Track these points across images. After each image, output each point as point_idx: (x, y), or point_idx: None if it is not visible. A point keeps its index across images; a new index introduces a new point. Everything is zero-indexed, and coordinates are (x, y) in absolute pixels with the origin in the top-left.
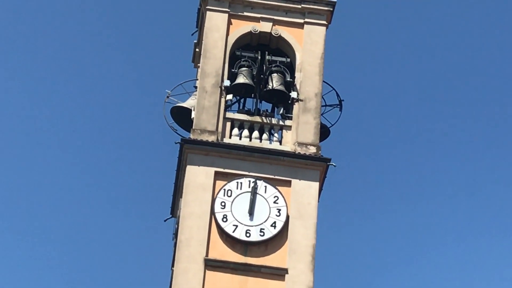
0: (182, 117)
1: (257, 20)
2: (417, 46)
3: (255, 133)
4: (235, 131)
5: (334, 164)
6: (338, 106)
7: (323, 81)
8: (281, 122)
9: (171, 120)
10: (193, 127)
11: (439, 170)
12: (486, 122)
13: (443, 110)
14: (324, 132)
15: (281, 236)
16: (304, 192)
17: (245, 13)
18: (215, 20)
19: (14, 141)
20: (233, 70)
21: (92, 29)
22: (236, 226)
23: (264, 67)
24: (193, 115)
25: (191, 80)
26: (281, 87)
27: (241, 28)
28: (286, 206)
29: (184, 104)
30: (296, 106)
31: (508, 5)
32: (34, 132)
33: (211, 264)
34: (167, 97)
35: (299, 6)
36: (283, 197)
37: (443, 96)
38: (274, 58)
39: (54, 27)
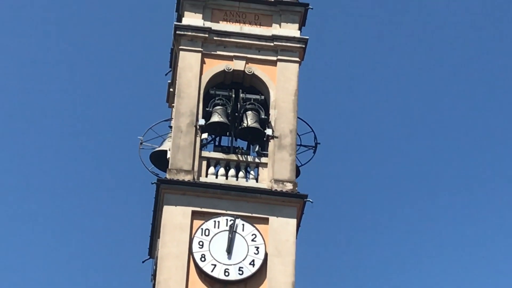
0: (160, 158)
1: (230, 58)
2: (391, 84)
3: (231, 171)
4: (211, 169)
5: (311, 200)
6: (313, 148)
7: (300, 119)
8: (257, 160)
9: (150, 165)
10: (169, 167)
11: (414, 206)
12: (466, 150)
13: (418, 148)
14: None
15: (260, 274)
16: (282, 229)
17: (218, 52)
18: (189, 60)
19: None
20: (207, 109)
21: (67, 72)
22: (215, 265)
23: (239, 105)
24: (168, 155)
25: (162, 122)
26: (256, 125)
27: (214, 67)
28: (264, 243)
29: (162, 148)
30: (271, 143)
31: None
32: None
33: None
34: (141, 143)
35: (272, 44)
36: (261, 234)
37: (417, 132)
38: (248, 95)
39: (20, 75)
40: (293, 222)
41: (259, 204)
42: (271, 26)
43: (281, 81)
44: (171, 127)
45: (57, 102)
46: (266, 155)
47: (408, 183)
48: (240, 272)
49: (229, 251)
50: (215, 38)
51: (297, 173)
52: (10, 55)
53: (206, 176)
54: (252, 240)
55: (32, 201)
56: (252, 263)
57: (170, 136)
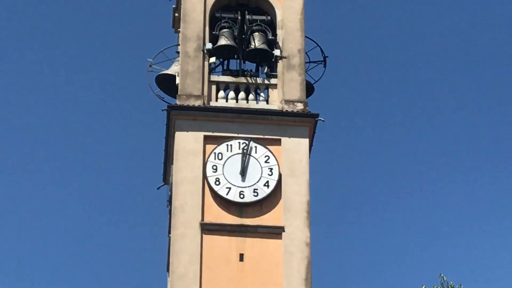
0: (168, 84)
1: None
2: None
3: (241, 94)
4: (221, 93)
5: (322, 119)
6: (322, 63)
7: (307, 37)
8: (266, 81)
9: (156, 89)
10: (179, 93)
11: (421, 119)
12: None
13: (432, 64)
14: (308, 88)
15: (275, 195)
16: (295, 149)
17: None
18: None
19: None
20: (214, 33)
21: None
22: (230, 188)
23: (245, 27)
24: (177, 80)
25: (172, 46)
26: (264, 46)
27: None
28: (278, 164)
29: (168, 71)
30: (280, 64)
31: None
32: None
33: (208, 228)
34: (150, 65)
35: None
36: (274, 156)
37: (434, 51)
38: (254, 17)
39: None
40: (305, 142)
41: (270, 125)
42: None
43: (287, 0)
44: (178, 52)
45: (64, 29)
46: (275, 76)
47: (417, 98)
48: (255, 194)
49: (243, 173)
50: None
51: (311, 91)
52: None
53: (216, 100)
54: (266, 162)
55: (47, 140)
56: (266, 184)
57: (178, 61)
